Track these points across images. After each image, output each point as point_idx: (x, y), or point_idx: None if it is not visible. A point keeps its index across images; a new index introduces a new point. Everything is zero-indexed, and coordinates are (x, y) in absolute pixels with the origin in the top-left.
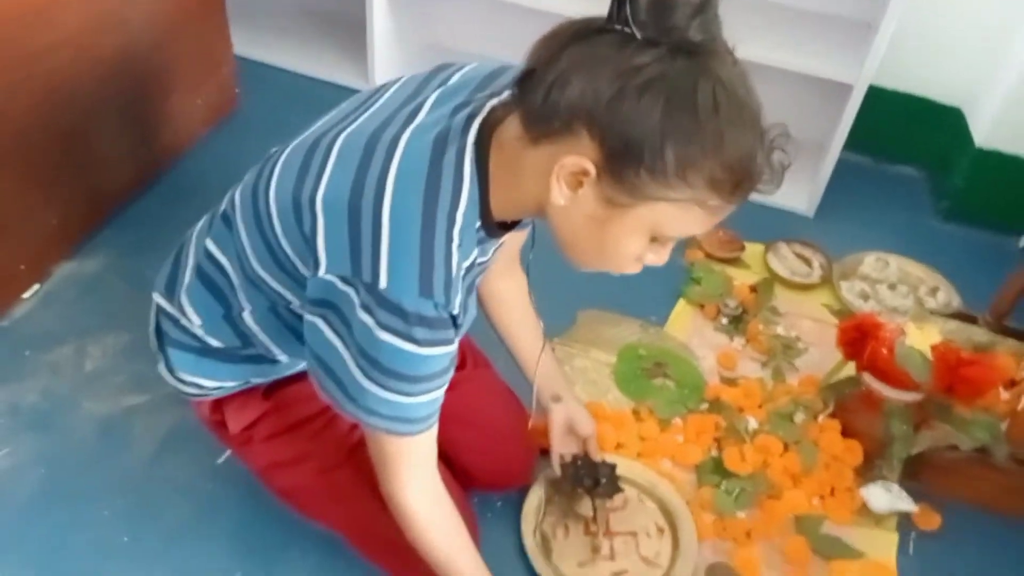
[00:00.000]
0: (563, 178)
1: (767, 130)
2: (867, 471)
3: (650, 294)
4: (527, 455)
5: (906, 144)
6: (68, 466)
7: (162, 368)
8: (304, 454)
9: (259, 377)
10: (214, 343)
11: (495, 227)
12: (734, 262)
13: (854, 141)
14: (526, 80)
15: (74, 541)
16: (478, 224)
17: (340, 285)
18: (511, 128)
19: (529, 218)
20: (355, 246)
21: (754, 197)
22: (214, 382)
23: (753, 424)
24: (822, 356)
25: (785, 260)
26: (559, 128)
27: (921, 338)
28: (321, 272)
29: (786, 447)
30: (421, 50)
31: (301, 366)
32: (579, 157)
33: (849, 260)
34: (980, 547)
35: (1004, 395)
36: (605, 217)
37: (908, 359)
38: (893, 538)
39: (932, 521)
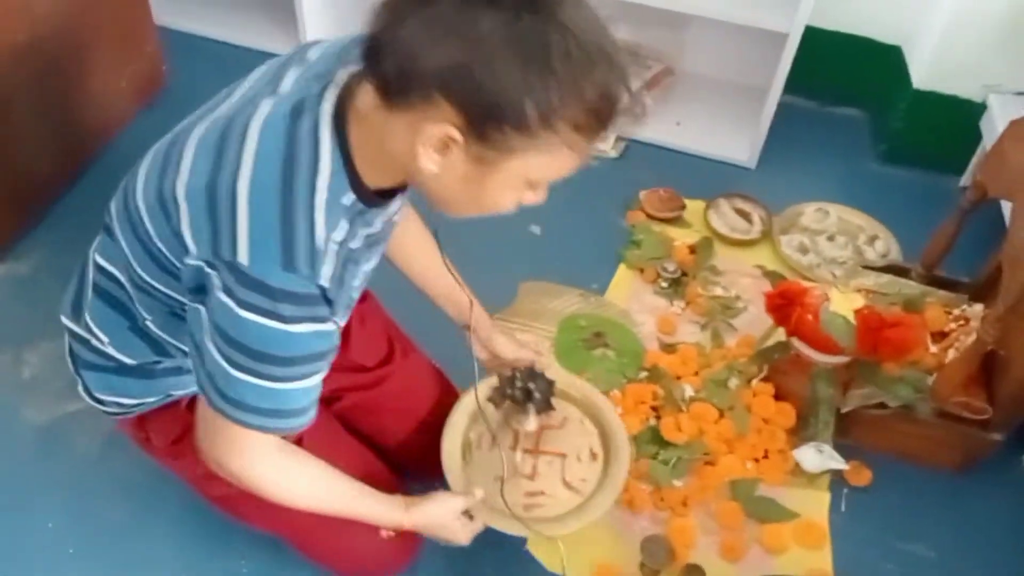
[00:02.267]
0: (430, 145)
1: (623, 64)
2: (800, 432)
3: (591, 260)
4: None
5: (847, 85)
6: (9, 476)
7: (80, 390)
8: None
9: (180, 390)
10: (127, 360)
11: (372, 195)
12: (675, 221)
13: (794, 85)
14: (372, 50)
15: (21, 549)
16: (349, 195)
17: (206, 269)
18: (368, 98)
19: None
20: (215, 227)
21: (698, 151)
22: (133, 399)
23: (689, 392)
24: (760, 313)
25: (725, 217)
26: (417, 99)
27: (845, 303)
28: (189, 259)
29: (721, 414)
30: (352, 11)
31: None
32: (442, 124)
33: (789, 212)
34: (907, 498)
35: (932, 348)
36: (478, 175)
37: (832, 325)
38: (825, 497)
39: (863, 477)
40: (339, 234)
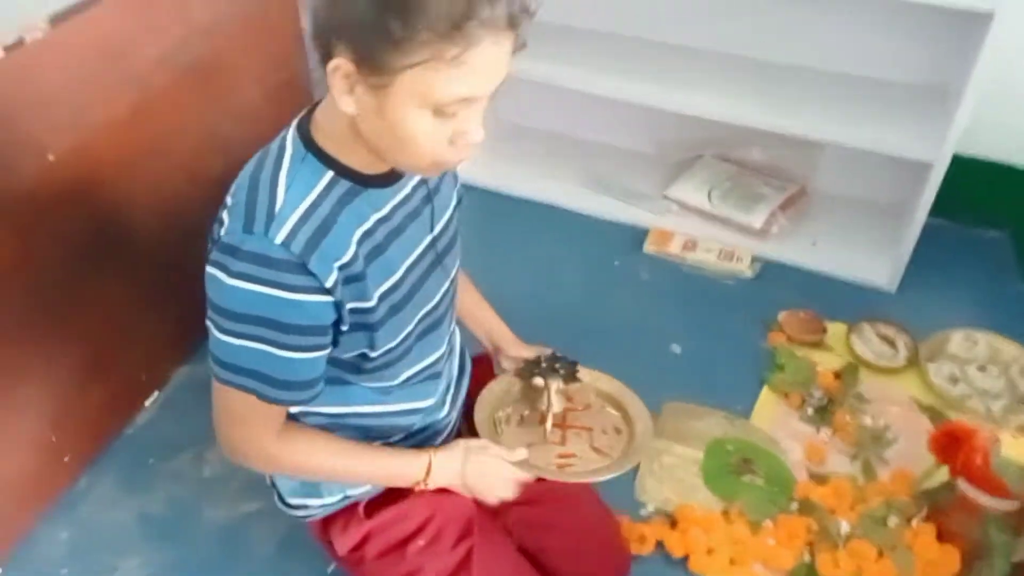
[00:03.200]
0: (337, 87)
1: None
2: None
3: (733, 382)
4: (621, 555)
5: (990, 208)
6: (193, 571)
7: (276, 499)
8: (416, 568)
9: (353, 490)
10: None
11: (363, 176)
12: (817, 345)
13: (935, 207)
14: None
15: None
16: (327, 173)
17: None
18: (327, 97)
19: (394, 168)
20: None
21: (835, 272)
22: (317, 500)
23: (845, 528)
24: (912, 446)
25: (869, 342)
26: (326, 56)
27: (1017, 447)
28: None
29: (880, 553)
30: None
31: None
32: (336, 60)
33: (935, 339)
34: None
35: None
36: (379, 104)
37: (1005, 470)
38: None
39: None
40: (305, 204)
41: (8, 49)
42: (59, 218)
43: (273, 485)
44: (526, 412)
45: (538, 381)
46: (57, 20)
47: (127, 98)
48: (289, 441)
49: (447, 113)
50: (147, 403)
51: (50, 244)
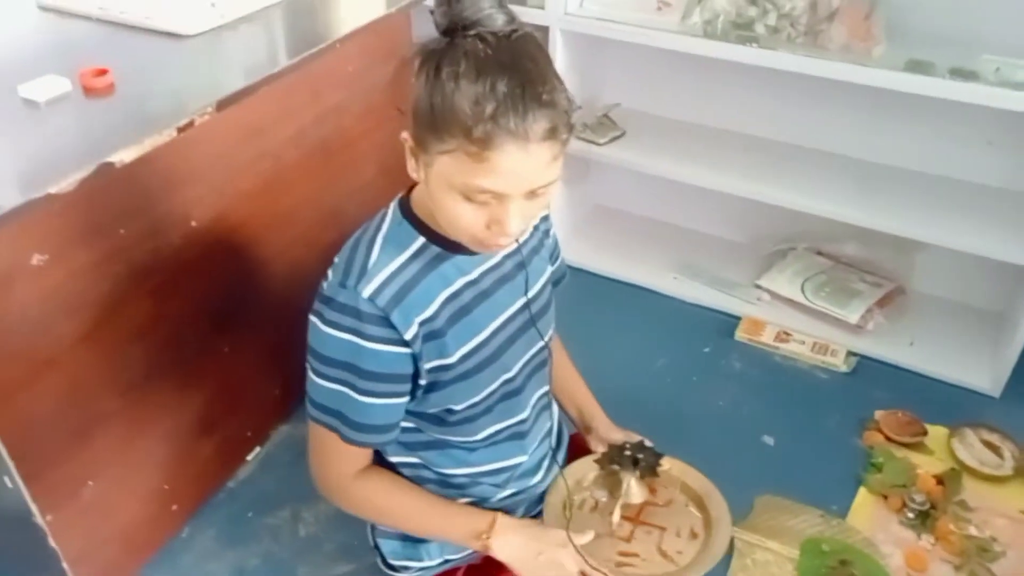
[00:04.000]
0: (407, 156)
1: (521, 80)
2: None
3: (828, 479)
4: None
5: None
6: None
7: (378, 560)
8: None
9: (453, 554)
10: None
11: (452, 244)
12: (916, 447)
13: None
14: None
15: None
16: (418, 238)
17: None
18: None
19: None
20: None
21: (933, 373)
22: (417, 562)
23: None
24: (1023, 561)
25: (972, 448)
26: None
27: None
28: None
29: None
30: (587, 211)
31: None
32: (404, 133)
33: None
34: None
35: None
36: (427, 179)
37: None
38: None
39: None
40: (395, 264)
41: (180, 129)
42: (193, 279)
43: (376, 547)
44: (603, 499)
45: (616, 468)
46: (222, 105)
47: (262, 171)
48: (366, 480)
49: (477, 201)
50: (249, 457)
51: (182, 305)
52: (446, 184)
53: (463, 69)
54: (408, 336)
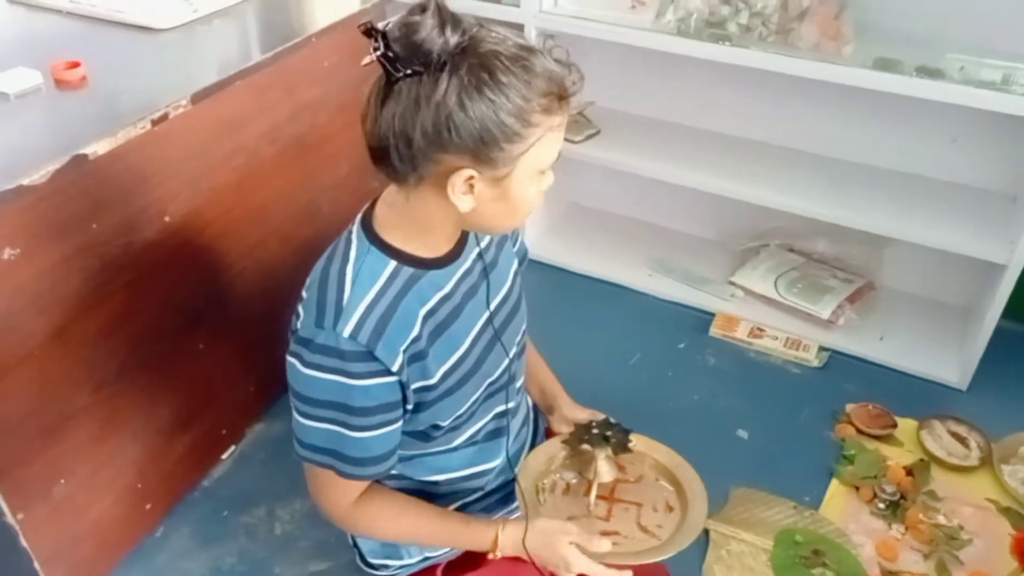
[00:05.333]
0: (459, 191)
1: (538, 48)
2: None
3: (800, 471)
4: None
5: None
6: None
7: (357, 558)
8: None
9: (432, 551)
10: None
11: (424, 262)
12: (886, 439)
13: (1006, 309)
14: (374, 157)
15: None
16: (390, 264)
17: None
18: (389, 194)
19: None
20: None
21: (902, 367)
22: (397, 560)
23: None
24: (989, 548)
25: (940, 439)
26: (426, 167)
27: None
28: None
29: None
30: (562, 208)
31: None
32: (460, 171)
33: (1009, 440)
34: None
35: None
36: (503, 192)
37: None
38: None
39: None
40: (370, 296)
41: (155, 122)
42: (166, 275)
43: (355, 545)
44: (573, 480)
45: (586, 448)
46: (196, 98)
47: (237, 167)
48: (368, 505)
49: (547, 171)
50: (224, 456)
51: (155, 300)
52: (533, 174)
53: (508, 62)
54: (395, 367)
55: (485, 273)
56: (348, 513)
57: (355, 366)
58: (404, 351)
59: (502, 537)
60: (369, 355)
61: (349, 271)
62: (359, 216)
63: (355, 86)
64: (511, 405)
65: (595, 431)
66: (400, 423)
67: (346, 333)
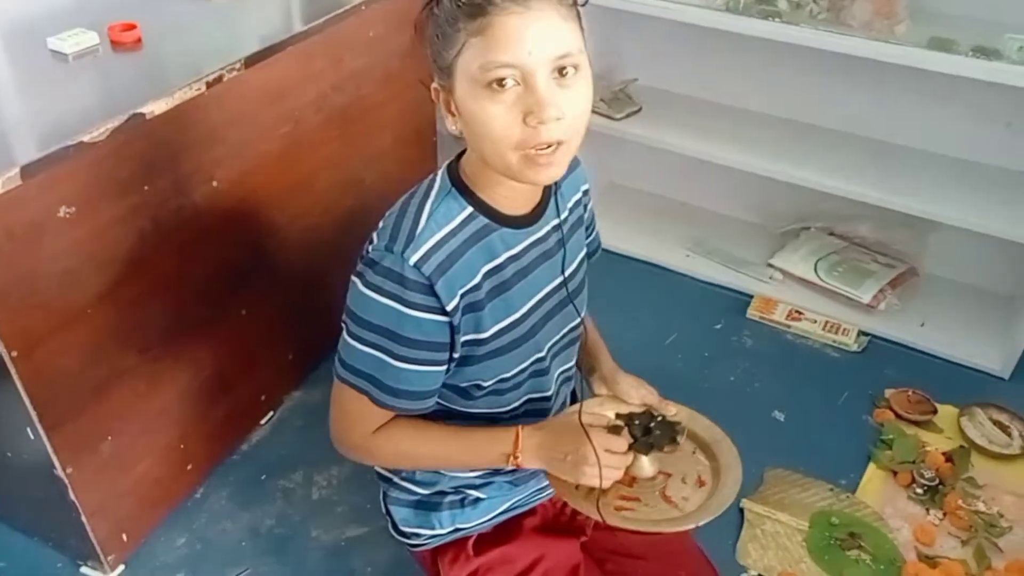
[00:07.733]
0: (442, 110)
1: None
2: None
3: (838, 454)
4: None
5: None
6: None
7: (389, 527)
8: None
9: (464, 523)
10: (421, 491)
11: (502, 216)
12: (926, 425)
13: None
14: None
15: None
16: (466, 208)
17: None
18: None
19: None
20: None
21: (943, 354)
22: (428, 530)
23: None
24: None
25: (982, 427)
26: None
27: None
28: None
29: None
30: (601, 188)
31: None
32: (432, 84)
33: None
34: None
35: None
36: (458, 105)
37: None
38: None
39: None
40: (442, 233)
41: (209, 84)
42: (213, 240)
43: (388, 514)
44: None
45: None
46: (249, 62)
47: (283, 135)
48: (388, 430)
49: (499, 88)
50: (263, 422)
51: (202, 264)
52: (469, 85)
53: None
54: (450, 307)
55: (562, 242)
56: (364, 441)
57: (413, 295)
58: (462, 295)
59: (523, 433)
60: (429, 288)
61: (428, 205)
62: (448, 160)
63: (399, 57)
64: (550, 392)
65: (639, 433)
66: (443, 368)
67: (412, 261)
